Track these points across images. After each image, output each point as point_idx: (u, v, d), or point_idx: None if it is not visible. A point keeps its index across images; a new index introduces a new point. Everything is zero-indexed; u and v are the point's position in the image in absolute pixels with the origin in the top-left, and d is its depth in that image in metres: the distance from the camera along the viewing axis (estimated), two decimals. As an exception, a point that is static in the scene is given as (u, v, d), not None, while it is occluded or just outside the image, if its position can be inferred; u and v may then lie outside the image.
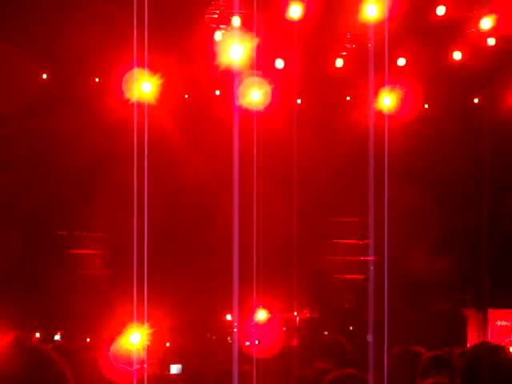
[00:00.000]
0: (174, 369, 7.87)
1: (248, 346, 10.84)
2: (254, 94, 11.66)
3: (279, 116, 11.24)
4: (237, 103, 9.72)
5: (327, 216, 13.62)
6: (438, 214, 12.74)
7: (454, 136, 13.05)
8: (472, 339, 11.93)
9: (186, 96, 13.52)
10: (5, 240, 12.50)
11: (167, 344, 12.25)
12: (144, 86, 11.74)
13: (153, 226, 11.14)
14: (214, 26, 11.37)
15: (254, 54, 10.13)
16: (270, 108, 11.49)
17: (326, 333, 12.30)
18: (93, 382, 4.09)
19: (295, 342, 9.34)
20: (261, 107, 11.30)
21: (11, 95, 11.66)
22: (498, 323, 12.38)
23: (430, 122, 13.08)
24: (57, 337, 12.28)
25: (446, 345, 8.31)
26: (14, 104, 11.65)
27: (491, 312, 12.34)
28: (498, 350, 3.39)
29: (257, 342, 11.44)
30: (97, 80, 13.12)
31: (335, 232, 13.82)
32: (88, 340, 12.05)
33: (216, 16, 11.58)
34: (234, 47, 10.81)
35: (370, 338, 11.70)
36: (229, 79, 10.52)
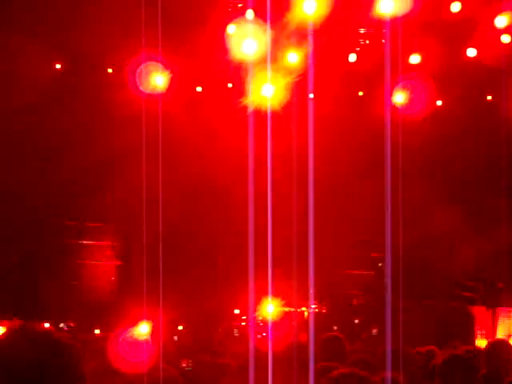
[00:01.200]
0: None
1: (260, 338, 10.87)
2: (267, 89, 11.66)
3: (291, 111, 11.23)
4: (250, 98, 9.72)
5: (341, 212, 13.60)
6: (453, 211, 12.71)
7: (467, 133, 13.01)
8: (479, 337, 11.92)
9: (199, 89, 13.51)
10: (15, 231, 12.56)
11: (175, 338, 12.29)
12: (157, 79, 11.77)
13: (166, 219, 11.23)
14: (229, 18, 11.36)
15: (268, 48, 10.12)
16: (283, 102, 11.49)
17: (335, 328, 12.30)
18: (102, 372, 4.12)
19: (304, 337, 9.34)
20: (274, 102, 11.29)
21: (25, 86, 11.69)
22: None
23: (443, 118, 13.03)
24: (61, 325, 12.32)
25: (452, 343, 8.30)
26: (26, 95, 11.68)
27: (500, 310, 12.32)
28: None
29: (264, 335, 11.48)
30: (110, 71, 13.14)
31: (347, 227, 13.80)
32: (97, 331, 12.13)
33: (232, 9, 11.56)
34: (247, 41, 10.81)
35: (375, 331, 11.73)
36: (242, 73, 10.52)
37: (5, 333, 1.96)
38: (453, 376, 4.08)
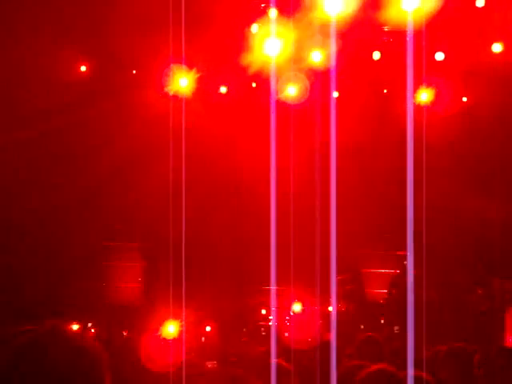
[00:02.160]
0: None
1: (286, 337, 10.87)
2: (291, 88, 11.65)
3: (315, 110, 11.20)
4: (274, 97, 9.71)
5: (365, 211, 13.55)
6: (478, 208, 12.60)
7: (493, 130, 12.88)
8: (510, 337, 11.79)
9: (223, 89, 13.52)
10: (44, 232, 12.66)
11: (202, 339, 12.31)
12: (182, 81, 11.81)
13: (190, 219, 11.22)
14: (253, 18, 11.37)
15: (291, 47, 10.11)
16: (307, 102, 11.46)
17: (362, 327, 12.26)
18: (131, 371, 4.13)
19: (330, 336, 9.32)
20: (297, 101, 11.27)
21: (50, 88, 11.78)
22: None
23: (469, 115, 12.93)
24: (89, 325, 12.40)
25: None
26: (54, 96, 11.77)
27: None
28: None
29: (289, 334, 11.47)
30: (134, 72, 13.21)
31: (372, 226, 13.75)
32: (125, 333, 12.18)
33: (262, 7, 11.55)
34: (270, 40, 10.81)
35: (397, 329, 11.66)
36: (266, 72, 10.52)
37: (36, 332, 1.98)
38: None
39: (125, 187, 13.10)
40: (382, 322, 12.49)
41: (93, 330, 12.00)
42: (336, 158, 8.77)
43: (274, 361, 4.31)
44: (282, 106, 11.00)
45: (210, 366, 7.60)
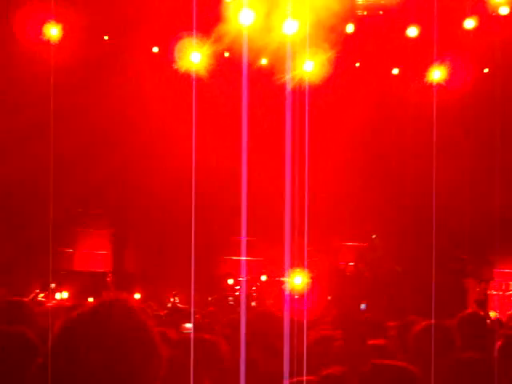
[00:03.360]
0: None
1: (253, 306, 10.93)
2: (307, 65, 11.55)
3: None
4: (245, 70, 9.66)
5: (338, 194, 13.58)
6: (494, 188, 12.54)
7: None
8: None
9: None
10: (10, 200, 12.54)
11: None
12: (193, 56, 11.62)
13: (158, 194, 11.15)
14: None
15: (307, 27, 10.05)
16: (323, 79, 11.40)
17: (328, 298, 12.32)
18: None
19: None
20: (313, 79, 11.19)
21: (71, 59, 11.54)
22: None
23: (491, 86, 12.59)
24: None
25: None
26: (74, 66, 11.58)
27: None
28: None
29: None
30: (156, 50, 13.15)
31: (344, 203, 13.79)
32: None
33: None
34: (244, 11, 10.73)
35: (363, 306, 11.80)
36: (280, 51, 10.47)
37: (98, 302, 2.02)
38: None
39: (98, 160, 13.05)
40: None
41: (58, 295, 11.98)
42: (308, 135, 8.81)
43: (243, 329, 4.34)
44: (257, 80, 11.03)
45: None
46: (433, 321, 4.39)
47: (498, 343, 4.65)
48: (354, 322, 4.81)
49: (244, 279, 13.26)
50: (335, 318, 6.41)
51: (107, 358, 1.89)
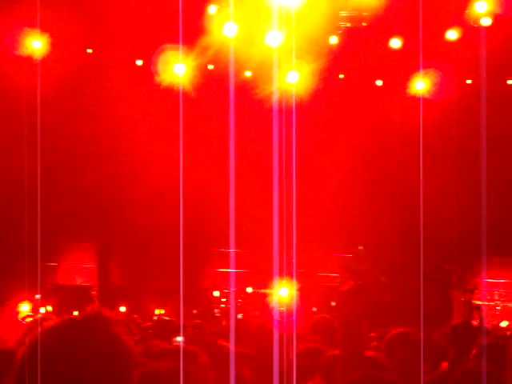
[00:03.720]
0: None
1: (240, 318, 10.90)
2: (291, 77, 11.57)
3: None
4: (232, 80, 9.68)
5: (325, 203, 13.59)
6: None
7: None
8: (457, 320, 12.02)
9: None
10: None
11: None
12: (176, 68, 11.61)
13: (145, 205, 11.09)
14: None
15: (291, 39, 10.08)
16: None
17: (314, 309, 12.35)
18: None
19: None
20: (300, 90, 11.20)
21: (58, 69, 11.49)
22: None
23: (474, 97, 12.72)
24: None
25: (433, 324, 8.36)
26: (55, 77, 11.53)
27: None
28: None
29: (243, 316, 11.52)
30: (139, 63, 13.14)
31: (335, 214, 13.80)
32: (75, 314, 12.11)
33: None
34: (229, 23, 10.76)
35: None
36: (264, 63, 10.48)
37: (81, 316, 2.00)
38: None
39: (83, 173, 13.02)
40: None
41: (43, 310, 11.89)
42: (296, 147, 8.81)
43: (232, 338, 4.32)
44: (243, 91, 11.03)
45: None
46: (403, 329, 4.41)
47: (473, 351, 4.67)
48: (359, 339, 4.77)
49: (231, 291, 13.24)
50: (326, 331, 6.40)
51: (76, 371, 1.87)
